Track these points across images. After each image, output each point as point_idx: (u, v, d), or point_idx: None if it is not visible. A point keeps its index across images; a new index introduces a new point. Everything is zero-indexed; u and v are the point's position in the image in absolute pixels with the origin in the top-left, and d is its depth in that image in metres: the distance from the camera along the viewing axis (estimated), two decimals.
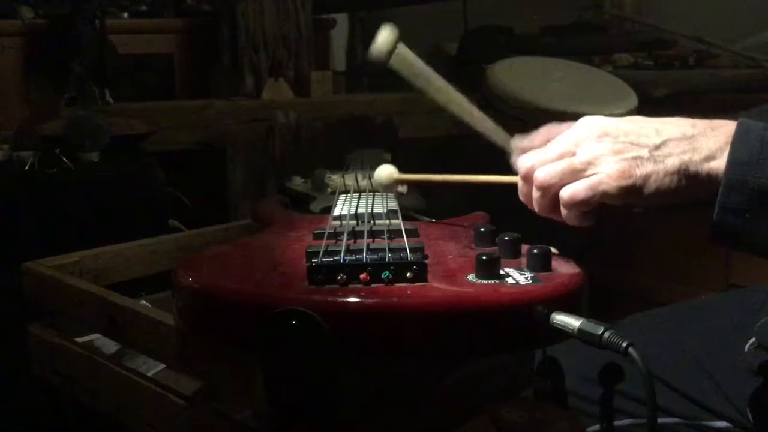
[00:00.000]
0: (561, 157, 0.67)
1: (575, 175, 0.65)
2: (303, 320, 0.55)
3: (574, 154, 0.66)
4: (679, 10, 2.58)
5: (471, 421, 0.70)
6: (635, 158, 0.63)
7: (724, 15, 2.45)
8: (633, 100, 1.70)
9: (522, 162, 0.70)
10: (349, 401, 0.60)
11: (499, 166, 0.85)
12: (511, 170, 0.80)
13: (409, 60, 0.89)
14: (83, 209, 1.63)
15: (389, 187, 0.87)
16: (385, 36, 0.87)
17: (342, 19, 3.14)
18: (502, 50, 2.10)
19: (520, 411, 0.70)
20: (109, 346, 0.97)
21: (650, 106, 1.76)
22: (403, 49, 0.89)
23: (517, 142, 0.87)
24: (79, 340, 0.95)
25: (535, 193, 0.68)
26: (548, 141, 0.85)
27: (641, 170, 0.63)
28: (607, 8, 2.85)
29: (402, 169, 0.89)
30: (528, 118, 1.64)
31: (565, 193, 0.65)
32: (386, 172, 0.85)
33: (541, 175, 0.67)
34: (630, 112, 1.63)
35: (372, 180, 0.99)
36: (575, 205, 0.65)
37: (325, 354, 0.55)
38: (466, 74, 2.25)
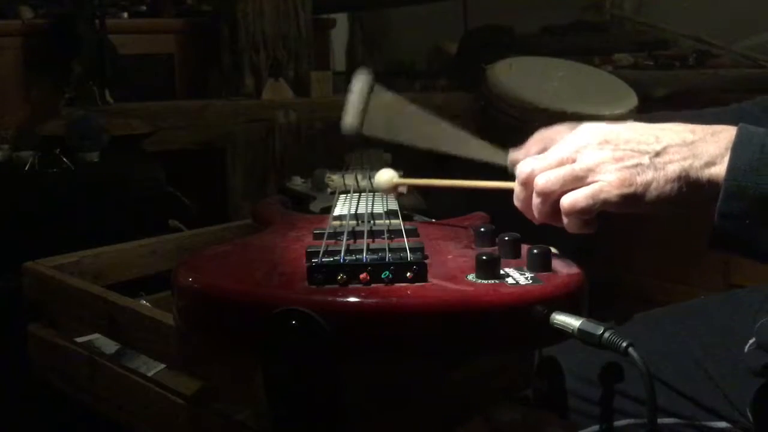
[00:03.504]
0: (561, 163, 0.66)
1: (576, 181, 0.65)
2: (303, 320, 0.55)
3: (574, 161, 0.66)
4: (679, 10, 2.58)
5: (465, 422, 0.70)
6: (636, 166, 0.63)
7: (724, 15, 2.45)
8: (633, 100, 1.70)
9: (521, 167, 0.69)
10: (349, 401, 0.60)
11: (498, 167, 0.85)
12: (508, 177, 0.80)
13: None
14: (83, 209, 1.63)
15: (389, 191, 0.87)
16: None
17: (342, 19, 3.14)
18: (502, 50, 2.10)
19: (513, 413, 0.70)
20: (109, 346, 0.97)
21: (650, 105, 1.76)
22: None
23: (514, 155, 0.88)
24: (79, 340, 0.95)
25: (535, 200, 0.68)
26: (544, 147, 0.86)
27: (642, 178, 0.63)
28: (607, 8, 2.85)
29: (402, 168, 0.89)
30: (528, 118, 1.64)
31: (566, 201, 0.65)
32: (386, 176, 0.85)
33: (542, 181, 0.66)
34: (630, 112, 1.63)
35: (372, 180, 0.99)
36: (575, 213, 0.65)
37: (324, 354, 0.55)
38: (466, 74, 2.25)
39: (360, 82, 0.90)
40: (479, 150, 0.90)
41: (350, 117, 0.89)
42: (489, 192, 0.77)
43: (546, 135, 0.88)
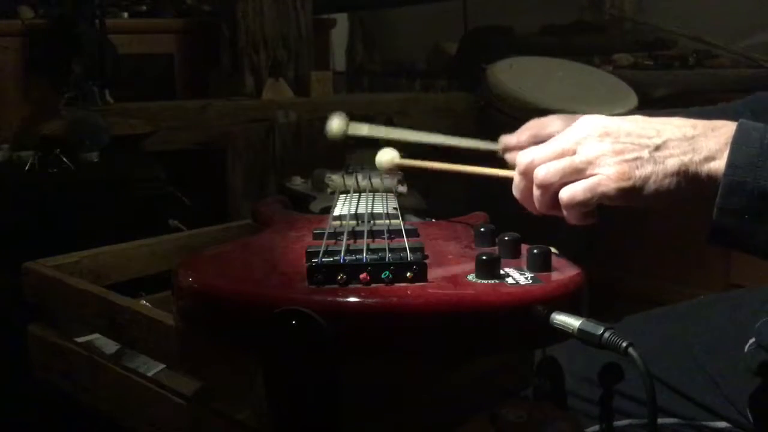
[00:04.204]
0: (562, 154, 0.66)
1: (575, 174, 0.65)
2: (303, 320, 0.55)
3: (574, 153, 0.66)
4: (679, 10, 2.58)
5: (471, 420, 0.70)
6: (635, 159, 0.63)
7: (724, 15, 2.44)
8: (633, 100, 1.70)
9: (522, 157, 0.69)
10: (349, 401, 0.60)
11: (496, 166, 0.85)
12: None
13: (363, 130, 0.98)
14: (83, 209, 1.63)
15: (390, 171, 0.89)
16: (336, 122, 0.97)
17: (342, 19, 3.14)
18: (502, 50, 2.10)
19: (519, 411, 0.70)
20: (109, 346, 0.97)
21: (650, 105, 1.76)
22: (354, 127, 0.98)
23: (505, 139, 0.91)
24: (79, 340, 0.95)
25: (535, 191, 0.68)
26: (536, 134, 0.90)
27: (640, 171, 0.63)
28: (607, 8, 2.85)
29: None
30: (528, 118, 1.64)
31: (565, 194, 0.65)
32: (388, 156, 0.88)
33: (542, 173, 0.67)
34: (630, 112, 1.63)
35: (372, 181, 0.99)
36: (575, 205, 0.65)
37: (324, 354, 0.55)
38: (466, 74, 2.25)
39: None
40: (468, 140, 0.96)
41: (337, 118, 0.97)
42: (489, 179, 0.78)
43: (538, 123, 0.91)
